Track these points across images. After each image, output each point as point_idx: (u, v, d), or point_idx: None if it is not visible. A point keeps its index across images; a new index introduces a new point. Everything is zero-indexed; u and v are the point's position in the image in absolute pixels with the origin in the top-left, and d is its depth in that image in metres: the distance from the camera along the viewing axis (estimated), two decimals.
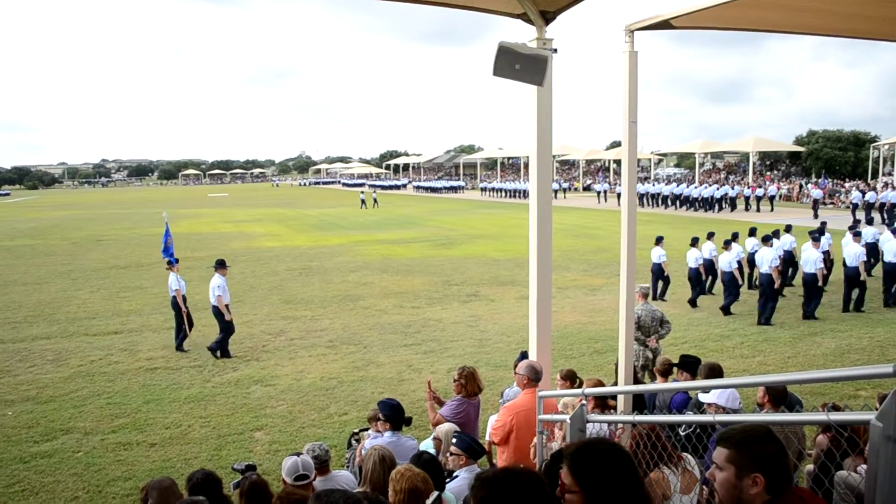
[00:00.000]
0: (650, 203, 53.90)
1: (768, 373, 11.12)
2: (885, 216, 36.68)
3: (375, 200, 61.31)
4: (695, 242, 17.34)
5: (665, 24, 6.18)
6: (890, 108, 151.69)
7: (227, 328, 13.51)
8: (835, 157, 68.26)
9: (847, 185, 52.60)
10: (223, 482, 6.69)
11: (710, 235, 18.00)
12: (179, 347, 13.91)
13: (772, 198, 48.11)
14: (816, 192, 44.20)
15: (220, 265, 13.87)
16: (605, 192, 62.66)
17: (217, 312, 13.49)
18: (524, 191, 67.88)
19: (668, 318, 10.40)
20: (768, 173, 69.30)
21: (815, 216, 38.13)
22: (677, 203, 51.99)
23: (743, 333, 14.07)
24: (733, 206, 48.26)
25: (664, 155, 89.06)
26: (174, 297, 14.08)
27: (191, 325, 14.19)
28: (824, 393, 9.72)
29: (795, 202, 52.92)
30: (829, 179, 58.63)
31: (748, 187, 53.75)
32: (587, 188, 78.74)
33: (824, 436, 5.72)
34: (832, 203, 41.69)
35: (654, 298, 16.95)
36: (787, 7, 6.21)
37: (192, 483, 4.68)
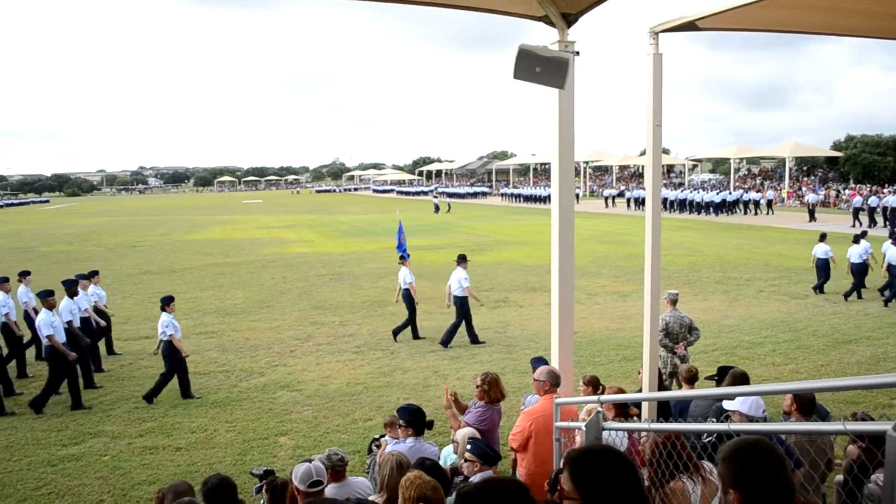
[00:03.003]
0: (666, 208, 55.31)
1: (798, 381, 10.89)
2: (887, 221, 37.70)
3: (449, 206, 63.83)
4: (857, 240, 18.37)
5: (691, 26, 6.08)
6: None
7: (466, 317, 14.46)
8: (874, 163, 66.85)
9: (886, 190, 51.61)
10: (246, 487, 6.74)
11: (864, 234, 19.04)
12: (415, 334, 15.01)
13: (769, 202, 51.72)
14: (813, 197, 45.84)
15: (463, 259, 14.89)
16: (612, 196, 66.43)
17: (460, 303, 14.36)
18: (539, 196, 73.15)
19: (696, 325, 10.24)
20: (805, 179, 68.24)
21: (811, 219, 41.31)
22: (679, 207, 54.74)
23: (775, 341, 13.81)
24: (732, 210, 51.64)
25: (699, 160, 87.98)
26: (406, 290, 14.99)
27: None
28: (857, 402, 9.49)
29: (832, 208, 52.21)
30: (852, 185, 57.99)
31: (783, 192, 54.09)
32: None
33: (855, 446, 5.57)
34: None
35: (820, 291, 18.59)
36: (819, 7, 6.07)
37: (206, 488, 4.67)
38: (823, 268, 18.66)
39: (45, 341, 11.20)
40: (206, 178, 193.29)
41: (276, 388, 11.78)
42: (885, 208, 39.22)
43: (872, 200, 40.71)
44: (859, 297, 17.65)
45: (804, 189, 61.11)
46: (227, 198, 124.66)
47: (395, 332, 14.94)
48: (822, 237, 19.26)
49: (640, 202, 57.83)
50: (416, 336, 15.00)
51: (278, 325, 16.67)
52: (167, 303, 11.76)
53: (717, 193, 53.65)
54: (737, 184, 67.13)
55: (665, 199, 55.06)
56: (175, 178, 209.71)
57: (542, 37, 6.12)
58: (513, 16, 6.27)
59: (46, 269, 27.90)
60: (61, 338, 11.23)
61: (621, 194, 67.68)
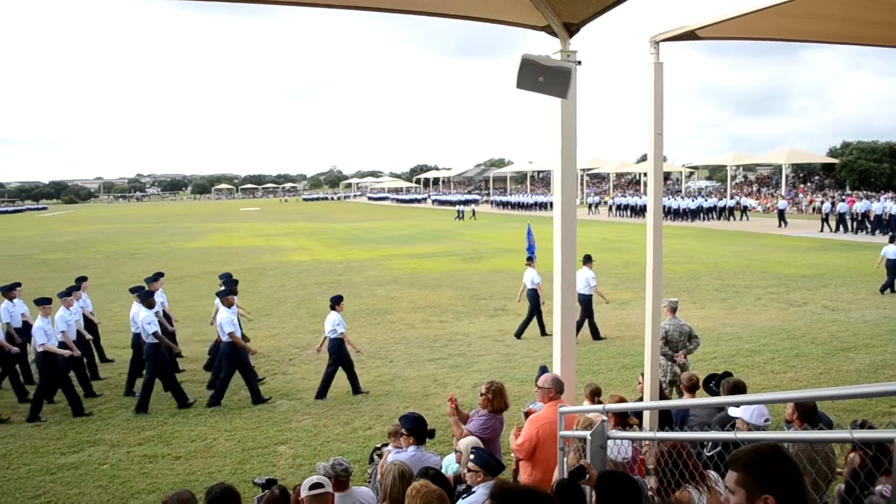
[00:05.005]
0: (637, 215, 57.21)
1: (799, 389, 10.89)
2: (853, 225, 39.55)
3: (473, 213, 64.52)
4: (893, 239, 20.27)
5: (691, 35, 6.11)
6: None
7: (589, 313, 15.31)
8: (869, 169, 67.00)
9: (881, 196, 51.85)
10: (246, 496, 6.71)
11: None
12: (543, 332, 15.74)
13: (745, 208, 54.66)
14: (782, 203, 47.36)
15: (589, 259, 15.66)
16: (595, 204, 68.79)
17: (585, 301, 15.16)
18: (525, 203, 75.56)
19: (696, 333, 10.24)
20: (802, 186, 68.40)
21: (780, 224, 43.41)
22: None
23: (774, 349, 13.81)
24: (707, 217, 53.90)
25: (695, 168, 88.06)
26: (533, 290, 15.81)
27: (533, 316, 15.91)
28: (857, 410, 9.48)
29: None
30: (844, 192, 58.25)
31: (782, 199, 54.69)
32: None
33: (856, 454, 5.56)
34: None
35: (891, 290, 19.64)
36: (816, 16, 6.10)
37: (210, 497, 4.65)
38: (892, 268, 19.73)
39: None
40: (203, 186, 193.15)
41: (275, 397, 11.75)
42: (853, 214, 40.62)
43: (841, 207, 41.58)
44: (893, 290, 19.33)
45: (800, 196, 61.41)
46: (224, 205, 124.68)
47: (519, 332, 15.77)
48: (892, 239, 20.45)
49: (622, 209, 60.44)
50: (543, 332, 15.66)
51: (277, 333, 16.66)
52: (337, 302, 12.11)
53: (693, 200, 56.42)
54: (733, 191, 67.29)
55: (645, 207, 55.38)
56: (173, 186, 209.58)
57: (542, 46, 6.14)
58: (515, 26, 6.29)
59: (46, 276, 27.88)
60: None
61: (604, 202, 69.96)
